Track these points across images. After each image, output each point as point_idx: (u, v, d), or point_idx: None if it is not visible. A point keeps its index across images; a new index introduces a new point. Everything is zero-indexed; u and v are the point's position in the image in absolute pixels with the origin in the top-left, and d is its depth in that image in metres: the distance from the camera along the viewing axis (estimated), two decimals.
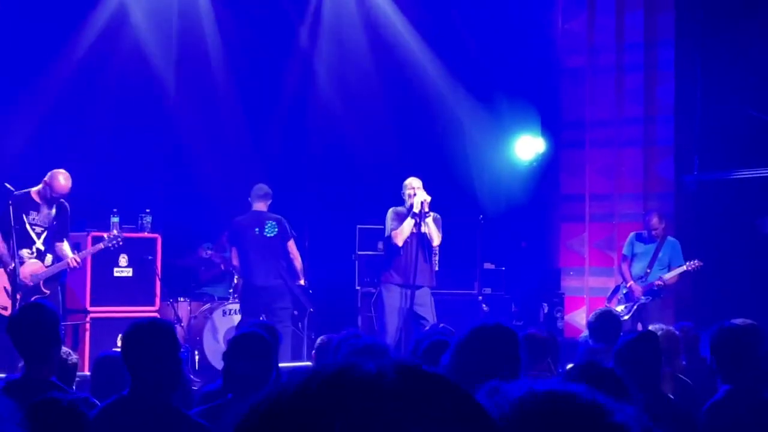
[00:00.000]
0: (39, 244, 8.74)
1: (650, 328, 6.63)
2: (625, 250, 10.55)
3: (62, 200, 8.89)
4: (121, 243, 9.31)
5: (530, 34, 12.46)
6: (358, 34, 12.55)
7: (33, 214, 8.72)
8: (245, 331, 4.70)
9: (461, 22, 12.46)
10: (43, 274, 8.67)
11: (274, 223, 9.89)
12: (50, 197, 8.78)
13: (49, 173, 8.83)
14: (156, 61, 11.84)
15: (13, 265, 8.40)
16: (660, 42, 11.70)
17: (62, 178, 8.78)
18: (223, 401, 4.29)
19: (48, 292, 8.61)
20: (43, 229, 8.76)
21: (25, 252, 8.64)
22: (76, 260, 8.88)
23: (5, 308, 8.52)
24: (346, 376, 1.14)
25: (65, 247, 8.92)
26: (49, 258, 8.79)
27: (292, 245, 9.94)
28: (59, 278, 8.94)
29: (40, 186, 8.81)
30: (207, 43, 12.23)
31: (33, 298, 8.29)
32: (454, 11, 12.49)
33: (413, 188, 9.49)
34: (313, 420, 1.11)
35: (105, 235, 9.28)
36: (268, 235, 9.86)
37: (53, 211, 8.82)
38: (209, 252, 11.29)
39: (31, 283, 8.59)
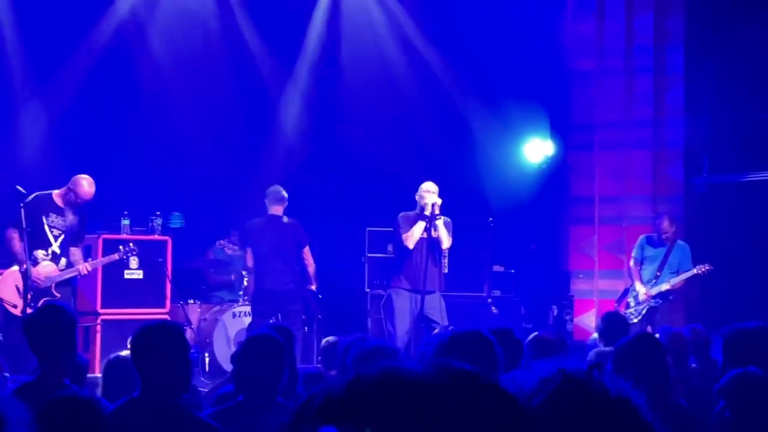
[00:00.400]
0: (55, 246, 8.72)
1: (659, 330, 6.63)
2: (635, 253, 10.53)
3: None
4: (135, 252, 9.35)
5: (539, 36, 12.45)
6: (367, 37, 12.56)
7: (53, 217, 8.69)
8: (257, 333, 4.71)
9: (470, 25, 12.46)
10: (56, 277, 8.68)
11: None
12: (75, 202, 8.77)
13: (72, 179, 8.80)
14: (166, 63, 11.87)
15: (26, 265, 8.43)
16: (669, 45, 11.69)
17: (86, 183, 8.77)
18: (233, 403, 4.29)
19: (59, 295, 8.61)
20: (61, 232, 8.73)
21: (40, 253, 8.62)
22: (87, 268, 8.89)
23: (15, 306, 8.54)
24: (394, 376, 1.16)
25: (78, 252, 8.92)
26: (63, 261, 8.78)
27: (307, 251, 9.90)
28: (71, 282, 8.95)
29: (62, 190, 8.78)
30: (217, 46, 12.26)
31: (42, 300, 8.32)
32: (463, 14, 12.48)
33: (427, 191, 9.50)
34: (363, 419, 1.13)
35: (120, 246, 9.30)
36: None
37: (77, 216, 8.82)
38: (222, 243, 11.30)
39: (44, 285, 8.60)
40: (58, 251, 8.73)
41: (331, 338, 6.53)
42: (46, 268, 8.64)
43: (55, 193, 8.79)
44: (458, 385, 1.17)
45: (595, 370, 1.48)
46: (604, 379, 1.47)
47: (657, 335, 6.64)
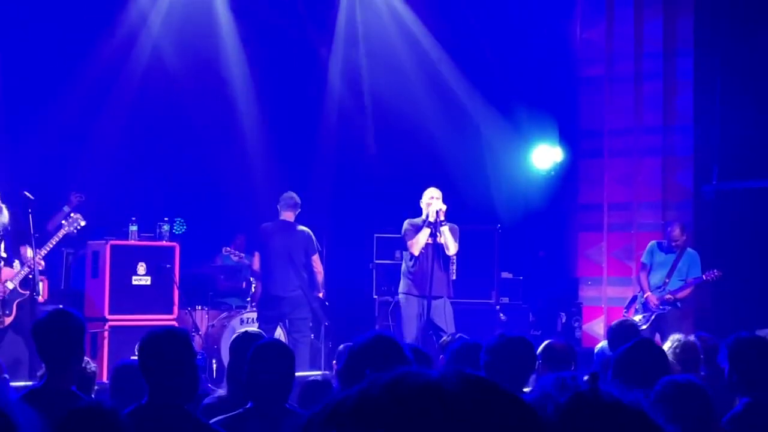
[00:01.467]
0: (1, 251, 8.63)
1: (670, 338, 6.59)
2: (644, 259, 10.50)
3: (5, 206, 8.64)
4: (81, 224, 9.08)
5: (549, 43, 12.45)
6: (376, 42, 12.57)
7: None
8: (266, 340, 4.70)
9: (479, 32, 12.46)
10: (16, 278, 8.60)
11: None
12: None
13: None
14: (174, 70, 11.89)
15: None
16: (679, 51, 11.66)
17: None
18: (243, 411, 4.27)
19: (26, 292, 8.56)
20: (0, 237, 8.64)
21: None
22: (40, 255, 8.71)
23: None
24: (408, 383, 1.15)
25: (29, 250, 8.76)
26: (17, 263, 8.65)
27: (316, 259, 9.91)
28: (33, 279, 8.83)
29: None
30: (226, 52, 12.28)
31: (16, 303, 8.44)
32: (473, 20, 12.49)
33: (432, 198, 9.51)
34: (377, 425, 1.12)
35: (63, 221, 9.13)
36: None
37: (3, 217, 8.63)
38: (228, 249, 11.31)
39: (9, 288, 8.54)
40: (5, 255, 8.62)
41: (347, 345, 6.51)
42: (3, 274, 8.57)
43: None
44: (476, 393, 1.16)
45: (597, 380, 1.47)
46: (612, 389, 1.46)
47: (668, 343, 6.61)
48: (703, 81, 11.50)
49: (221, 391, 5.14)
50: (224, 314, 10.78)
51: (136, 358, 4.23)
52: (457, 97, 12.60)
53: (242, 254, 11.26)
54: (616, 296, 11.55)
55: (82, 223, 9.10)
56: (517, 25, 12.44)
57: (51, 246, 8.95)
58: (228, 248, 11.35)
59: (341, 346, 6.59)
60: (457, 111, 12.60)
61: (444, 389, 1.15)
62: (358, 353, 3.44)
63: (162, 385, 3.90)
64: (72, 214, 9.14)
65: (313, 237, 9.93)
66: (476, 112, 12.65)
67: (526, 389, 4.65)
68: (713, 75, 11.43)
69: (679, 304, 10.25)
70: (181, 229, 9.86)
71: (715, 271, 10.09)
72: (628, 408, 1.42)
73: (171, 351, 3.95)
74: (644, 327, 9.93)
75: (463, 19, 12.55)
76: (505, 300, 11.46)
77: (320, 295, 10.02)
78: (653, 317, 10.19)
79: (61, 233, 9.00)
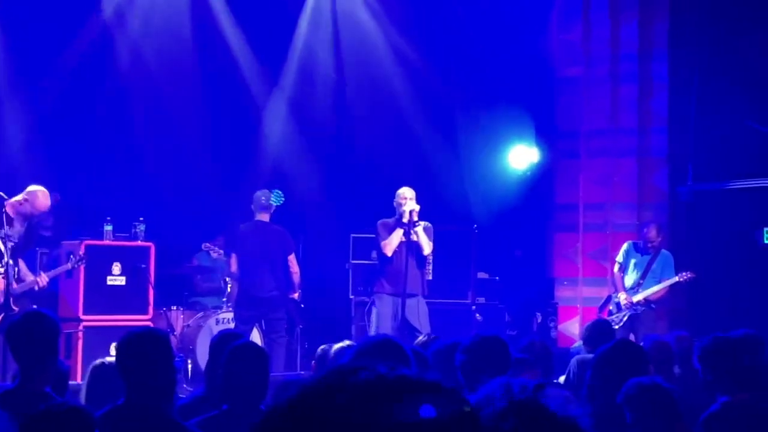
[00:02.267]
0: (8, 258, 8.43)
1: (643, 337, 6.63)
2: (619, 258, 10.55)
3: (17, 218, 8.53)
4: (83, 261, 9.11)
5: (526, 44, 12.47)
6: (352, 43, 12.56)
7: (6, 228, 8.31)
8: (241, 342, 4.68)
9: (456, 32, 12.47)
10: (14, 291, 8.40)
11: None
12: (29, 213, 8.48)
13: (28, 190, 8.53)
14: (151, 68, 11.83)
15: None
16: (654, 53, 11.72)
17: (41, 195, 8.51)
18: (219, 412, 4.26)
19: (17, 309, 8.22)
20: (14, 243, 8.42)
21: None
22: (45, 280, 8.59)
23: None
24: (332, 377, 1.16)
25: (22, 265, 8.63)
26: (17, 271, 8.47)
27: (292, 259, 9.92)
28: (27, 295, 8.64)
29: (17, 199, 8.47)
30: (203, 51, 12.23)
31: (1, 317, 8.12)
32: (449, 20, 12.50)
33: (405, 198, 9.50)
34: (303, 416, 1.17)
35: (71, 255, 9.09)
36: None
37: (24, 227, 8.52)
38: (207, 245, 11.26)
39: (1, 299, 8.25)
40: (11, 262, 8.39)
41: (325, 346, 6.49)
42: (2, 283, 8.33)
43: (9, 202, 8.42)
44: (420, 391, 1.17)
45: (540, 390, 1.47)
46: (549, 400, 1.46)
47: (641, 343, 6.64)
48: (678, 83, 11.56)
49: (197, 392, 5.12)
50: (200, 314, 10.73)
51: (112, 358, 4.20)
52: (435, 97, 12.61)
53: (221, 251, 11.21)
54: (592, 296, 11.59)
55: (83, 265, 9.13)
56: (494, 25, 12.45)
57: (55, 274, 8.88)
58: (208, 244, 11.30)
59: (319, 349, 6.57)
60: (434, 110, 12.61)
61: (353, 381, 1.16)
62: (363, 354, 3.45)
63: (140, 385, 3.88)
64: (81, 253, 9.07)
65: (289, 236, 9.92)
66: (453, 112, 12.66)
67: None
68: (688, 78, 11.49)
69: (653, 305, 10.30)
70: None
71: (688, 272, 10.14)
72: (560, 421, 1.41)
73: (150, 351, 3.93)
74: (618, 327, 9.97)
75: (441, 19, 12.56)
76: (481, 300, 11.47)
77: (296, 296, 10.01)
78: (627, 317, 10.23)
79: (65, 267, 8.94)
